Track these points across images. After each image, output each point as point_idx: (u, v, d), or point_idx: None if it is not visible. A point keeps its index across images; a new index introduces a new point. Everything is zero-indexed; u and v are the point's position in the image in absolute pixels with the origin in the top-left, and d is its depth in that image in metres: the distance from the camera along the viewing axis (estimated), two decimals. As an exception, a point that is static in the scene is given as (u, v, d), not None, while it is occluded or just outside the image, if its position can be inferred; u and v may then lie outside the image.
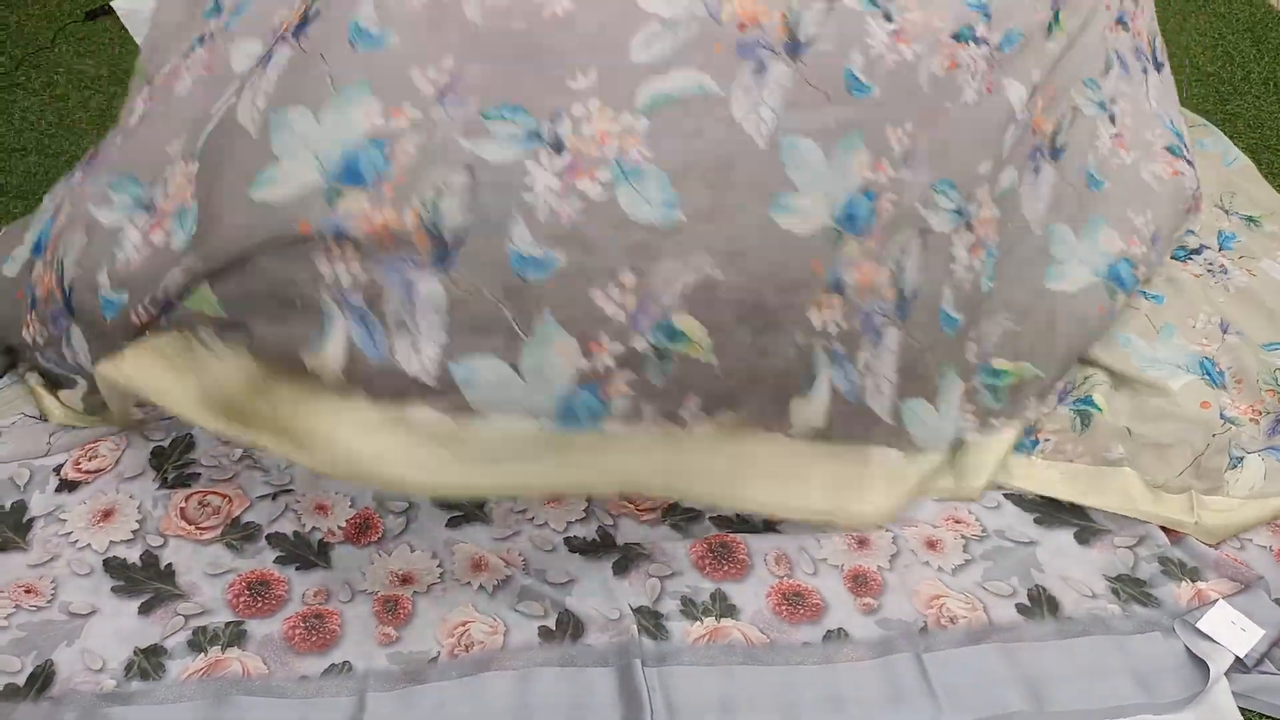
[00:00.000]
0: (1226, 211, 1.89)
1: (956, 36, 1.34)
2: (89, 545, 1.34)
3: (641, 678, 1.22)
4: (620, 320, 1.12)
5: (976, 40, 1.36)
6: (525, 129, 1.15)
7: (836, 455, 1.28)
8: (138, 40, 2.48)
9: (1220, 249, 1.77)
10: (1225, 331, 1.60)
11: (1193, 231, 1.78)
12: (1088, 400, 1.48)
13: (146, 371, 1.23)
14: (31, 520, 1.37)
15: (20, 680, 1.20)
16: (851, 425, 1.29)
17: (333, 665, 1.24)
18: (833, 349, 1.23)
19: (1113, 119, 1.61)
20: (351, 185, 1.13)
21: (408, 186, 1.13)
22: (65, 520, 1.37)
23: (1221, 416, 1.48)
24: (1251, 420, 1.50)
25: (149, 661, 1.22)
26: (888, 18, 1.29)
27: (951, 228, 1.32)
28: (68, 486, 1.41)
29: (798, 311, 1.20)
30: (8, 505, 1.38)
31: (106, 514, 1.38)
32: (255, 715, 1.18)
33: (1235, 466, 1.45)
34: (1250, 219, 1.87)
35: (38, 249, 1.43)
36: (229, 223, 1.17)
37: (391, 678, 1.23)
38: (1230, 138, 2.15)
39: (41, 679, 1.20)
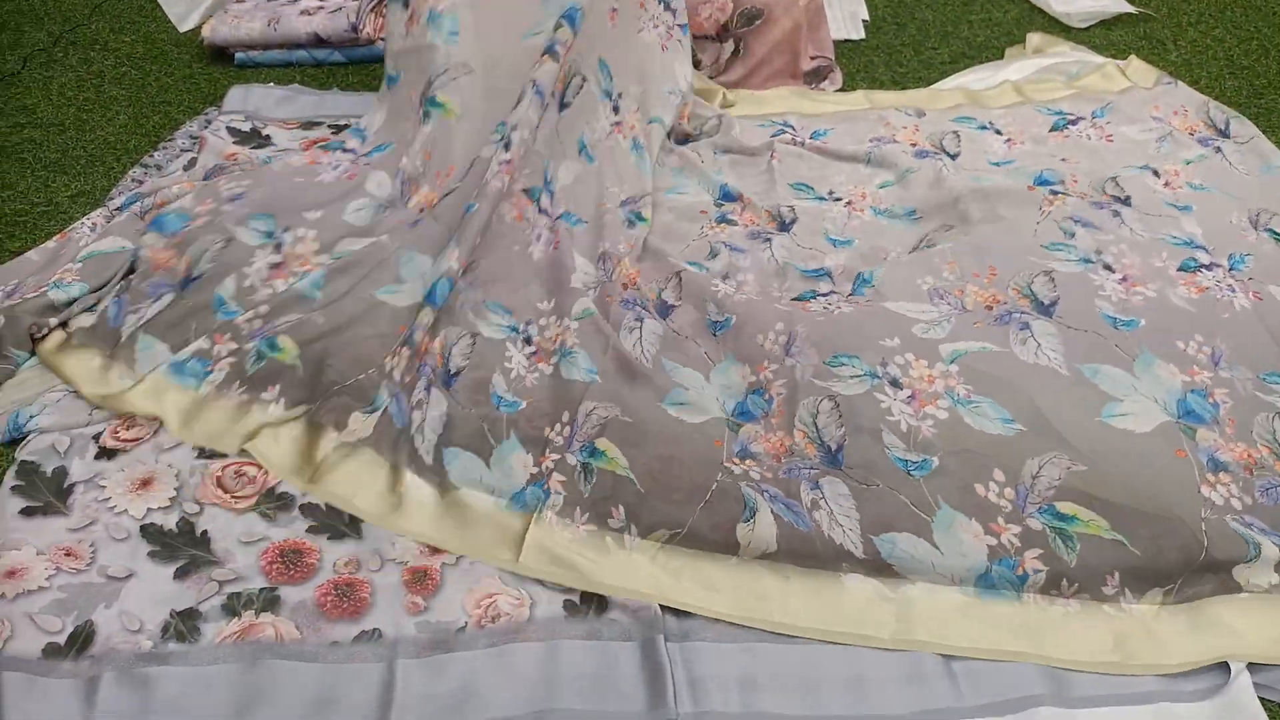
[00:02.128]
0: (1255, 226, 1.83)
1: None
2: (126, 511, 1.38)
3: (664, 652, 1.24)
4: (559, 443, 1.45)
5: None
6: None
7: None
8: (171, 17, 2.51)
9: (1230, 269, 1.72)
10: (1218, 364, 1.53)
11: (1205, 248, 1.76)
12: (1053, 513, 1.35)
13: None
14: (72, 486, 1.40)
15: (61, 639, 1.23)
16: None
17: (363, 632, 1.26)
18: (763, 489, 1.40)
19: (1109, 267, 1.68)
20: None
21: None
22: (104, 487, 1.40)
23: (1209, 460, 1.39)
24: (1245, 470, 1.39)
25: (185, 624, 1.26)
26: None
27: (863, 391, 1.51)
28: (106, 454, 1.45)
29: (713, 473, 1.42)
30: (49, 471, 1.42)
31: (145, 482, 1.41)
32: (288, 678, 1.21)
33: (1252, 560, 1.30)
34: (1278, 236, 1.81)
35: (159, 225, 1.69)
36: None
37: (420, 645, 1.25)
38: (1264, 132, 2.13)
39: (82, 638, 1.23)
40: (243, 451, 1.45)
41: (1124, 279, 1.67)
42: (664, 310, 1.66)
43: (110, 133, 2.12)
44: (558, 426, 1.47)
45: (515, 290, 1.66)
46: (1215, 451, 1.42)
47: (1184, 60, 2.45)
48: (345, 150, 1.93)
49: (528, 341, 1.60)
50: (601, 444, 1.43)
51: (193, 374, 1.52)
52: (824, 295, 1.68)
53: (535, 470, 1.42)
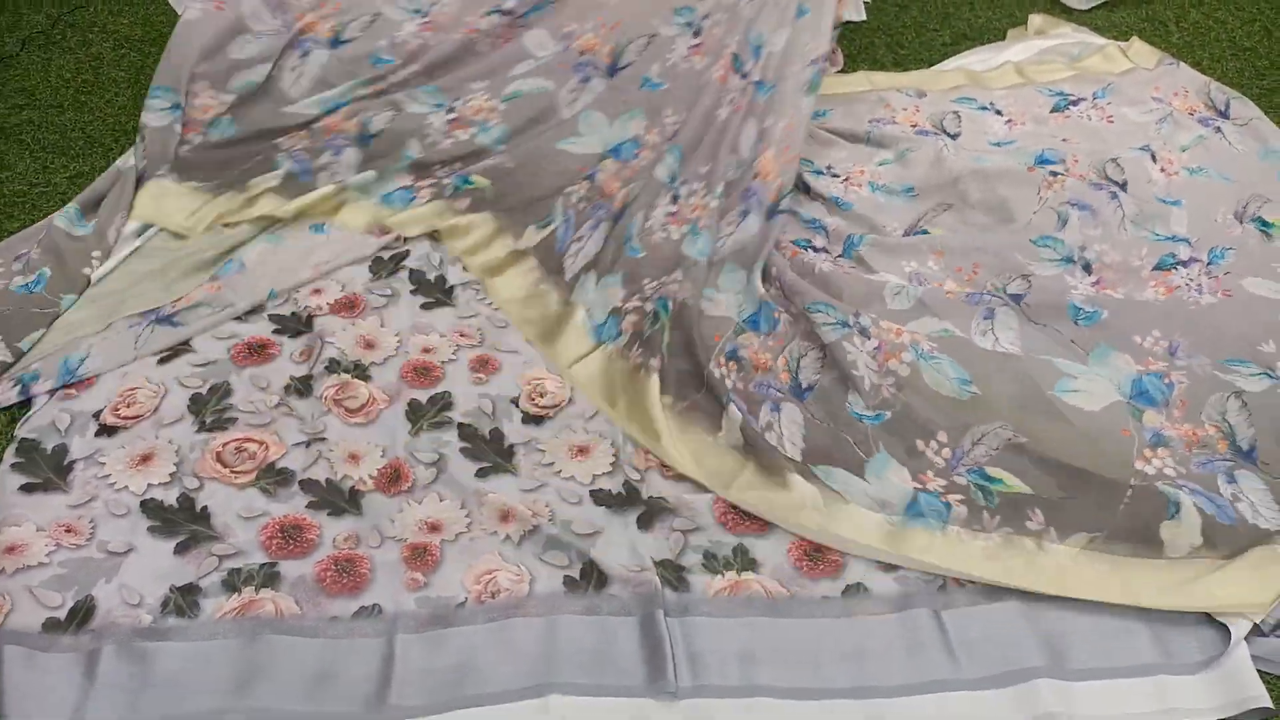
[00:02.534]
0: (1240, 220, 1.83)
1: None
2: (126, 487, 1.38)
3: (664, 627, 1.24)
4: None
5: None
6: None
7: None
8: (171, 2, 2.50)
9: (1208, 264, 1.73)
10: (1175, 354, 1.56)
11: (1187, 241, 1.77)
12: (982, 474, 1.41)
13: None
14: (72, 463, 1.40)
15: (61, 614, 1.23)
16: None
17: (363, 607, 1.27)
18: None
19: (1087, 268, 1.71)
20: None
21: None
22: (104, 463, 1.40)
23: (1154, 437, 1.43)
24: (1185, 447, 1.43)
25: (184, 600, 1.26)
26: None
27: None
28: (106, 431, 1.45)
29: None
30: (49, 448, 1.42)
31: (145, 458, 1.42)
32: (287, 654, 1.22)
33: (1173, 518, 1.34)
34: (1266, 226, 1.81)
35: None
36: None
37: (420, 621, 1.26)
38: (1265, 112, 2.12)
39: (82, 613, 1.24)
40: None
41: (1097, 281, 1.70)
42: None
43: (109, 115, 2.11)
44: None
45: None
46: (1160, 429, 1.45)
47: (1186, 42, 2.44)
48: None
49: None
50: None
51: (400, 200, 1.82)
52: (817, 251, 1.77)
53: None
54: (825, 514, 1.37)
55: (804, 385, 1.52)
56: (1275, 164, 1.98)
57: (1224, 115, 2.10)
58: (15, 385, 1.51)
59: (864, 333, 1.55)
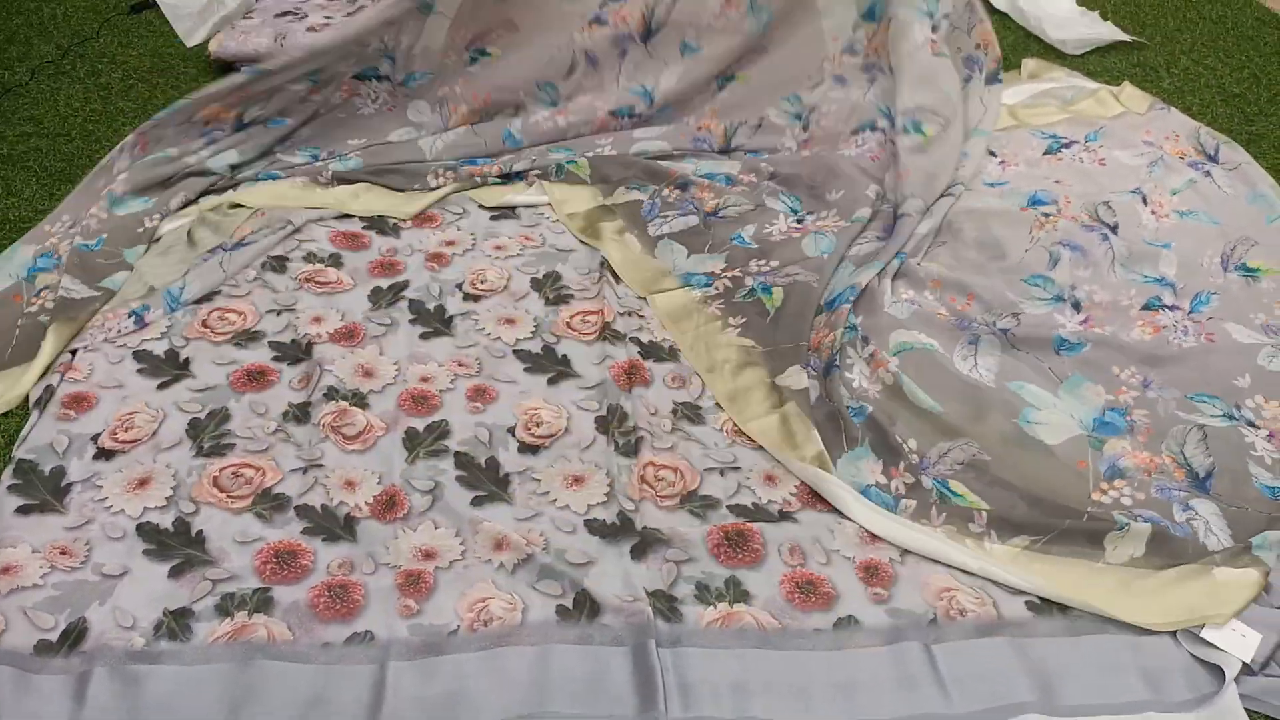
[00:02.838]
0: (1227, 265, 1.86)
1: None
2: (123, 510, 1.38)
3: (656, 658, 1.24)
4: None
5: None
6: None
7: None
8: (179, 32, 2.54)
9: (1190, 312, 1.76)
10: (1147, 387, 1.60)
11: (1174, 286, 1.80)
12: (945, 485, 1.47)
13: None
14: (69, 485, 1.41)
15: (54, 636, 1.24)
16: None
17: (355, 634, 1.27)
18: None
19: (1077, 306, 1.76)
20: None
21: None
22: (101, 487, 1.41)
23: (1110, 470, 1.48)
24: (1144, 474, 1.48)
25: (177, 623, 1.26)
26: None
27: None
28: (104, 455, 1.45)
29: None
30: (47, 470, 1.42)
31: (142, 482, 1.42)
32: (279, 679, 1.21)
33: (1122, 529, 1.39)
34: (1250, 271, 1.85)
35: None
36: None
37: (412, 648, 1.26)
38: (1255, 157, 2.16)
39: (74, 635, 1.24)
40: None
41: (1086, 319, 1.74)
42: None
43: (116, 144, 2.14)
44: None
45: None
46: (1119, 459, 1.49)
47: (1177, 87, 2.48)
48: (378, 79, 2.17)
49: None
50: None
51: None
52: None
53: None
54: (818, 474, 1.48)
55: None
56: (1263, 208, 2.01)
57: (1213, 160, 2.14)
58: (130, 317, 1.67)
59: (865, 341, 1.65)
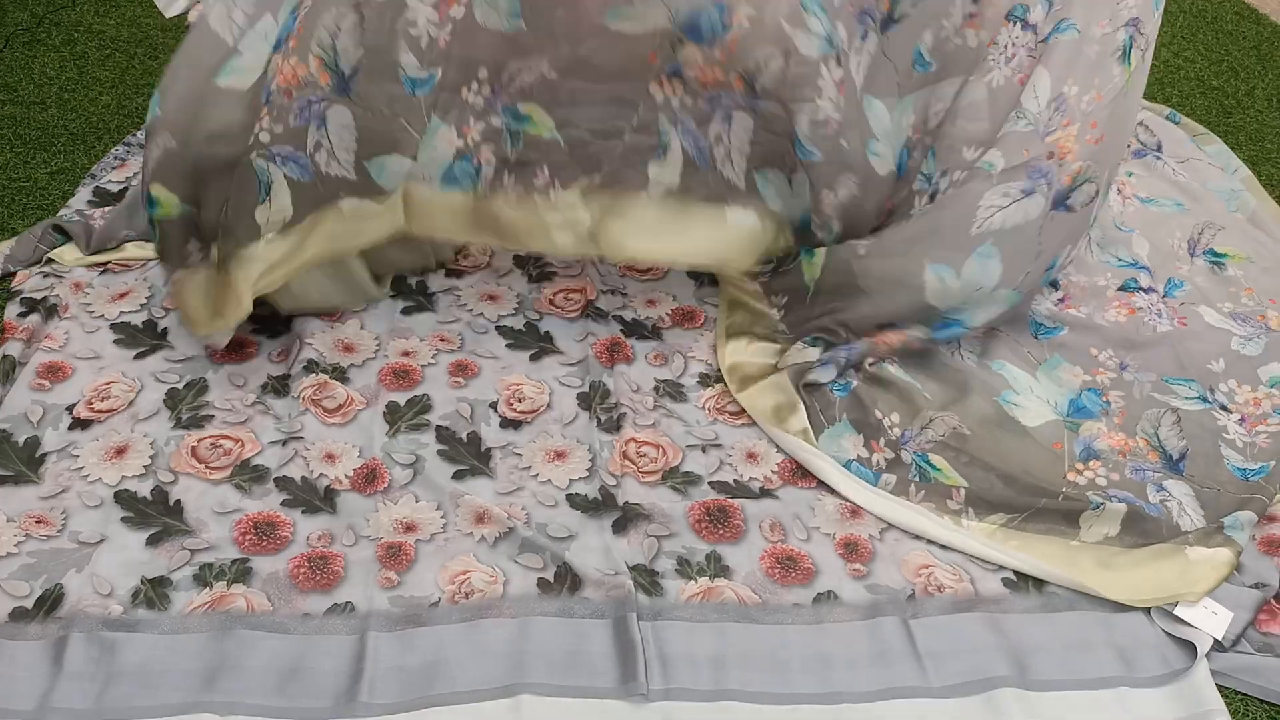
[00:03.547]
0: (1192, 255, 1.88)
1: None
2: (100, 479, 1.37)
3: (636, 630, 1.25)
4: (479, 106, 1.44)
5: None
6: None
7: (693, 214, 1.53)
8: (157, 3, 2.50)
9: (1165, 296, 1.78)
10: (1124, 370, 1.63)
11: (1148, 270, 1.82)
12: (925, 459, 1.49)
13: None
14: (44, 455, 1.39)
15: (29, 604, 1.22)
16: (706, 187, 1.52)
17: (335, 605, 1.26)
18: (679, 119, 1.48)
19: (1054, 284, 1.76)
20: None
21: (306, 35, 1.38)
22: (78, 456, 1.40)
23: (1084, 451, 1.50)
24: (1119, 455, 1.50)
25: (155, 592, 1.25)
26: None
27: (819, 54, 1.43)
28: (80, 425, 1.44)
29: (641, 87, 1.44)
30: (21, 440, 1.41)
31: (119, 451, 1.41)
32: (257, 648, 1.21)
33: (1097, 508, 1.41)
34: (1217, 258, 1.87)
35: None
36: None
37: (392, 619, 1.25)
38: (1232, 149, 2.19)
39: (50, 601, 1.22)
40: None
41: (1063, 299, 1.75)
42: None
43: (93, 113, 2.11)
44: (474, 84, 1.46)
45: None
46: (1094, 440, 1.52)
47: (1156, 79, 2.50)
48: None
49: None
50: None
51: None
52: None
53: (460, 144, 1.48)
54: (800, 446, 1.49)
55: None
56: (1225, 196, 2.05)
57: (1158, 153, 2.16)
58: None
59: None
